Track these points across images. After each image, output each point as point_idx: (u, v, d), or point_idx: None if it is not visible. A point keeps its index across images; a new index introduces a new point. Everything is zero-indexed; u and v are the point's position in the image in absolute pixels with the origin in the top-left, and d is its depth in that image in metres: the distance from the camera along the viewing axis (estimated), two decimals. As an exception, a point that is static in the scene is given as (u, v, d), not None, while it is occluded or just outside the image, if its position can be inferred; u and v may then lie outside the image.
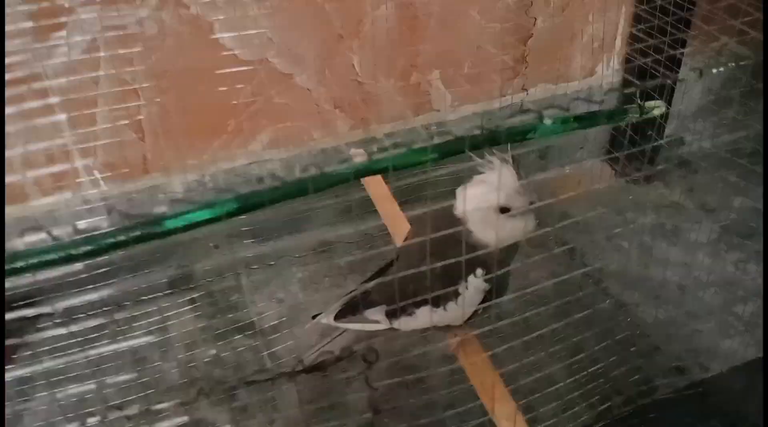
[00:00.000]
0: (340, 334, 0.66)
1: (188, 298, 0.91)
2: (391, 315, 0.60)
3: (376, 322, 0.63)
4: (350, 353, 0.70)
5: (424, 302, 0.52)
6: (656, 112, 0.73)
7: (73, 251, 0.52)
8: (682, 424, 0.74)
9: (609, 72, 1.06)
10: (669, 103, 1.08)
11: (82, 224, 0.41)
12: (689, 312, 0.88)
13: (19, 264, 0.51)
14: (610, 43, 1.04)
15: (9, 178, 0.79)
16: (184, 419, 0.46)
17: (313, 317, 0.66)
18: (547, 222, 0.56)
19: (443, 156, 0.62)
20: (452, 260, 0.44)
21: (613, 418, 0.74)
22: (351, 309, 0.64)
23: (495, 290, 0.54)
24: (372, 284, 0.65)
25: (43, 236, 0.39)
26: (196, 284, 0.93)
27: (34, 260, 0.51)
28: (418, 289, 0.48)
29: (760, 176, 0.86)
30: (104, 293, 0.89)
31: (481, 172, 0.54)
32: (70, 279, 0.82)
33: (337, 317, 0.64)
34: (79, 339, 0.80)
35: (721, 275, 0.93)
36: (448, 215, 0.54)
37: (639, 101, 0.72)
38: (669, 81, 0.53)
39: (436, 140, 0.61)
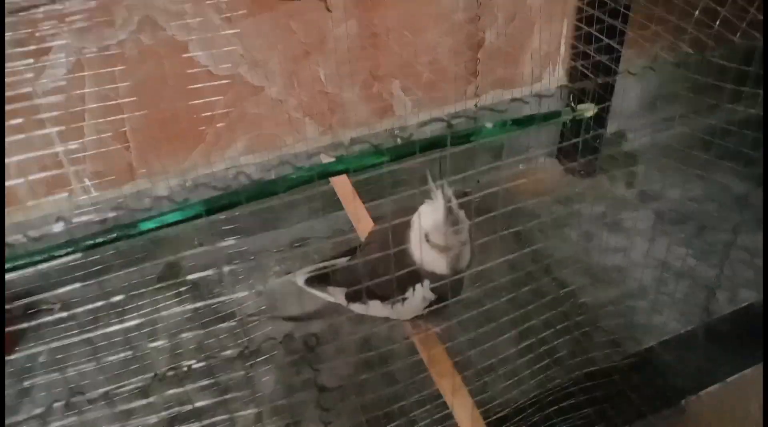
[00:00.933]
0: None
1: (175, 291, 1.00)
2: (348, 298, 0.66)
3: (334, 299, 0.70)
4: (318, 317, 0.78)
5: (376, 296, 0.59)
6: (587, 113, 0.83)
7: (55, 252, 0.61)
8: (616, 393, 0.83)
9: (554, 77, 1.16)
10: (608, 102, 1.19)
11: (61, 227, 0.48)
12: (625, 292, 0.99)
13: (9, 264, 0.59)
14: (555, 51, 1.14)
15: (7, 184, 0.87)
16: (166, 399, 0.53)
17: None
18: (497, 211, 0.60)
19: (397, 158, 0.71)
20: (403, 271, 0.49)
21: (556, 390, 0.84)
22: (319, 279, 0.70)
23: (440, 298, 0.56)
24: (340, 263, 0.72)
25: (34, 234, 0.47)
26: (183, 277, 1.02)
27: (21, 261, 0.60)
28: (371, 285, 0.54)
29: (693, 169, 0.95)
30: (98, 285, 0.97)
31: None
32: (65, 273, 0.90)
33: (307, 282, 0.71)
34: (72, 323, 0.89)
35: (655, 257, 1.04)
36: (404, 225, 0.56)
37: (572, 104, 0.82)
38: (600, 81, 0.59)
39: (389, 144, 0.70)
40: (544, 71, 1.15)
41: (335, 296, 0.69)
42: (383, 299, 0.59)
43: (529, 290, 0.98)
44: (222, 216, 1.04)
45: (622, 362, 0.87)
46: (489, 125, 0.81)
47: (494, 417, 0.77)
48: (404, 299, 0.58)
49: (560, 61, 1.15)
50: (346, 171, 0.70)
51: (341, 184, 0.95)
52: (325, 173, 0.70)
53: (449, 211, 0.50)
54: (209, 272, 1.00)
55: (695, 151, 0.81)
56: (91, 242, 0.61)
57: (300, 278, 0.72)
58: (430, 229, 0.52)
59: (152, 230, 0.66)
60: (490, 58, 1.08)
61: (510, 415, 0.79)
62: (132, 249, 0.98)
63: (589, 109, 0.84)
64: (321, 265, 0.74)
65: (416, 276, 0.55)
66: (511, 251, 1.06)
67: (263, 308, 0.96)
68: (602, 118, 1.21)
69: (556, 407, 0.80)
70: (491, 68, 1.09)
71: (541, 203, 1.16)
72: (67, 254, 0.59)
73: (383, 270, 0.53)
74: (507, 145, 1.22)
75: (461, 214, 0.52)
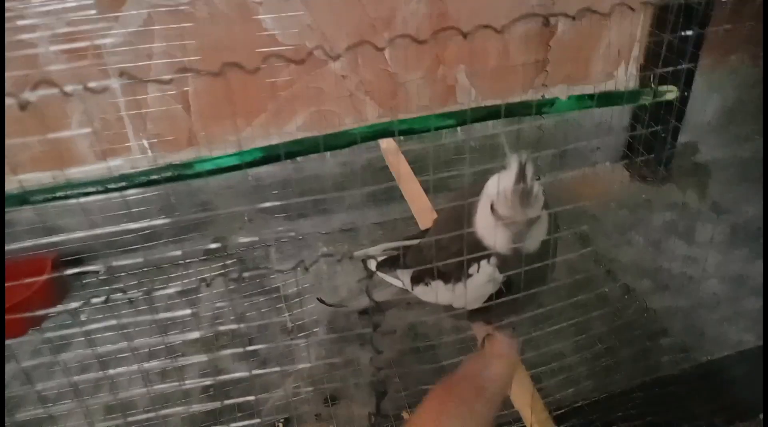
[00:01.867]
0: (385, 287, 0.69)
1: (221, 264, 0.98)
2: (413, 280, 0.61)
3: (402, 283, 0.66)
4: (390, 307, 0.74)
5: (440, 276, 0.53)
6: (669, 95, 0.78)
7: (111, 185, 0.59)
8: (682, 401, 0.76)
9: (626, 77, 1.11)
10: (682, 115, 1.14)
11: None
12: (696, 302, 0.91)
13: (60, 193, 0.59)
14: (627, 50, 1.10)
15: (68, 142, 0.88)
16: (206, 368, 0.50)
17: (363, 262, 0.69)
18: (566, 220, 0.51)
19: (463, 123, 0.68)
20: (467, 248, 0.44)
21: (615, 392, 0.78)
22: (390, 263, 0.65)
23: (510, 287, 0.49)
24: (412, 244, 0.68)
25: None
26: (230, 252, 1.00)
27: (76, 191, 0.59)
28: (435, 263, 0.50)
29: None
30: (147, 256, 0.96)
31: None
32: (116, 241, 0.89)
33: (378, 266, 0.68)
34: (120, 294, 0.88)
35: (729, 270, 0.96)
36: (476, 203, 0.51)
37: (652, 84, 0.78)
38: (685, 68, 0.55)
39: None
40: (615, 70, 1.10)
41: (402, 278, 0.65)
42: (447, 279, 0.54)
43: (592, 292, 0.93)
44: (275, 195, 1.02)
45: (692, 369, 0.80)
46: (562, 98, 0.77)
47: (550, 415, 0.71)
48: (469, 276, 0.51)
49: (633, 60, 1.11)
50: (409, 131, 0.68)
51: (398, 164, 0.92)
52: (387, 132, 0.67)
53: (521, 176, 0.43)
54: (257, 248, 0.98)
55: None
56: (145, 178, 0.60)
57: (372, 263, 0.66)
58: (496, 197, 0.45)
59: (208, 172, 0.64)
60: (560, 50, 1.04)
61: (567, 415, 0.73)
62: (182, 223, 0.98)
63: (671, 92, 0.80)
64: (389, 245, 0.70)
65: (483, 253, 0.48)
66: (575, 256, 1.02)
67: (307, 286, 0.93)
68: (675, 128, 1.16)
69: (619, 413, 0.73)
70: (561, 61, 1.05)
71: (606, 208, 1.11)
72: (120, 189, 0.58)
73: (447, 245, 0.49)
74: (572, 150, 1.17)
75: (536, 187, 0.45)
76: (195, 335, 0.75)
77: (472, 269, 0.51)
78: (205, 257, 0.99)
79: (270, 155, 0.57)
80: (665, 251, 1.00)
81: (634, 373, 0.79)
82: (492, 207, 0.46)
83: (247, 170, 1.00)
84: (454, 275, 0.52)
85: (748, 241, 1.02)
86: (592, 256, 1.00)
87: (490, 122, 1.08)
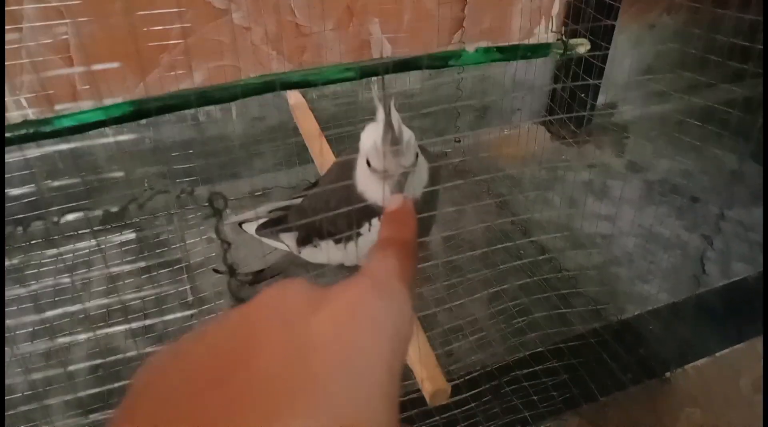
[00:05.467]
0: (270, 252, 0.66)
1: (118, 234, 0.90)
2: (300, 242, 0.60)
3: (287, 247, 0.63)
4: (280, 272, 0.71)
5: (329, 236, 0.52)
6: (581, 49, 0.75)
7: None
8: (595, 361, 0.76)
9: (547, 35, 1.09)
10: (602, 73, 1.13)
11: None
12: (610, 260, 0.91)
13: None
14: (548, 6, 1.07)
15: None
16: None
17: (240, 224, 0.66)
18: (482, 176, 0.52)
19: (364, 76, 0.63)
20: (358, 205, 0.43)
21: (527, 354, 0.76)
22: (270, 226, 0.64)
23: None
24: (291, 205, 0.65)
25: None
26: (129, 221, 0.93)
27: None
28: (322, 223, 0.49)
29: (685, 143, 0.89)
30: (34, 226, 0.88)
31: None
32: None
33: (258, 230, 0.64)
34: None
35: (643, 227, 0.96)
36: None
37: (563, 38, 0.75)
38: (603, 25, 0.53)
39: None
40: (535, 26, 1.07)
41: (288, 242, 0.61)
42: (336, 239, 0.53)
43: (505, 251, 0.91)
44: (177, 158, 0.95)
45: (603, 328, 0.80)
46: (470, 49, 0.73)
47: (460, 380, 0.69)
48: (359, 236, 0.51)
49: (553, 17, 1.08)
50: (308, 84, 0.62)
51: (305, 120, 0.86)
52: (287, 83, 0.61)
53: (389, 126, 0.40)
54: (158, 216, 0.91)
55: (688, 125, 0.75)
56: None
57: (251, 227, 0.63)
58: (369, 150, 0.44)
59: (69, 129, 0.57)
60: (477, 6, 1.00)
61: (477, 378, 0.71)
62: (75, 191, 0.89)
63: (582, 45, 0.77)
64: (269, 207, 0.67)
65: (371, 210, 0.47)
66: (490, 214, 1.01)
67: (213, 255, 0.87)
68: (595, 87, 1.14)
69: (528, 371, 0.72)
70: (479, 17, 1.01)
71: (524, 168, 1.09)
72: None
73: (335, 206, 0.47)
74: (493, 111, 1.14)
75: (407, 133, 0.43)
76: (78, 307, 0.69)
77: (364, 228, 0.51)
78: (101, 227, 0.91)
79: (140, 109, 0.50)
80: (581, 211, 1.00)
81: (547, 334, 0.78)
82: (368, 162, 0.44)
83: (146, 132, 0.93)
84: (345, 234, 0.51)
85: (663, 198, 1.03)
86: (507, 216, 0.98)
87: (409, 80, 1.04)
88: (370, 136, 0.44)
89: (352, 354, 0.17)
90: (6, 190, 0.87)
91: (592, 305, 0.83)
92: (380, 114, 0.43)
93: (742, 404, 0.71)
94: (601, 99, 1.19)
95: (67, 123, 0.55)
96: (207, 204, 0.38)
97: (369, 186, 0.46)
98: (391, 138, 0.40)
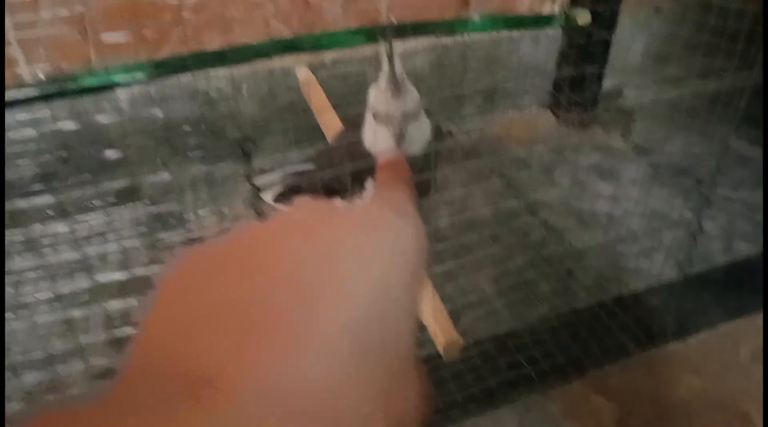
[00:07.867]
0: None
1: (131, 209, 0.92)
2: None
3: None
4: None
5: (336, 195, 0.53)
6: (581, 20, 0.77)
7: None
8: (599, 333, 0.77)
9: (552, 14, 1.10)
10: (606, 55, 1.13)
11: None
12: (616, 237, 0.93)
13: None
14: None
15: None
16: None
17: (258, 191, 0.67)
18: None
19: (372, 40, 0.65)
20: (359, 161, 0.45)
21: (533, 323, 0.78)
22: (289, 193, 0.65)
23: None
24: (303, 170, 0.66)
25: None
26: (142, 197, 0.94)
27: None
28: (333, 182, 0.50)
29: (693, 129, 0.90)
30: (51, 199, 0.90)
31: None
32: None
33: (276, 199, 0.66)
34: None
35: (649, 207, 0.98)
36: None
37: (565, 9, 0.76)
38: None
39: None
40: (542, 6, 1.08)
41: None
42: (344, 196, 0.53)
43: (513, 229, 0.92)
44: (189, 135, 0.97)
45: (608, 300, 0.82)
46: (476, 18, 0.74)
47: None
48: (363, 193, 0.51)
49: (560, -2, 1.09)
50: (316, 47, 0.64)
51: (315, 95, 0.88)
52: (292, 46, 0.63)
53: (391, 73, 0.42)
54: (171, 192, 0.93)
55: (695, 109, 0.76)
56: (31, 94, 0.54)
57: (268, 195, 0.65)
58: (374, 101, 0.46)
59: (95, 88, 0.59)
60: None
61: (485, 342, 0.73)
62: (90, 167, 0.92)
63: (583, 16, 0.78)
64: (286, 170, 0.68)
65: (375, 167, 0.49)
66: (499, 195, 1.02)
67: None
68: (601, 72, 1.15)
69: (536, 338, 0.74)
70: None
71: (531, 151, 1.10)
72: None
73: (342, 165, 0.48)
74: (500, 94, 1.16)
75: (408, 84, 0.44)
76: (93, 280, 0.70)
77: (368, 184, 0.51)
78: (115, 202, 0.93)
79: (164, 70, 0.52)
80: (587, 191, 1.01)
81: (553, 305, 0.80)
82: (374, 115, 0.45)
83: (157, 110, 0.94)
84: (352, 190, 0.51)
85: (669, 179, 1.04)
86: (514, 194, 0.99)
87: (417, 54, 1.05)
88: (374, 89, 0.46)
89: (374, 259, 0.18)
90: (19, 164, 0.89)
91: (598, 278, 0.85)
92: (385, 65, 0.44)
93: (741, 372, 0.72)
94: (607, 83, 1.20)
95: (94, 82, 0.58)
96: (239, 146, 0.40)
97: (375, 141, 0.47)
98: (392, 77, 0.42)
